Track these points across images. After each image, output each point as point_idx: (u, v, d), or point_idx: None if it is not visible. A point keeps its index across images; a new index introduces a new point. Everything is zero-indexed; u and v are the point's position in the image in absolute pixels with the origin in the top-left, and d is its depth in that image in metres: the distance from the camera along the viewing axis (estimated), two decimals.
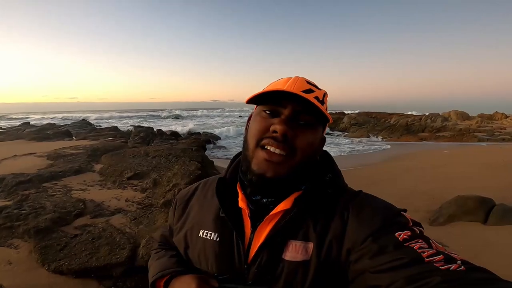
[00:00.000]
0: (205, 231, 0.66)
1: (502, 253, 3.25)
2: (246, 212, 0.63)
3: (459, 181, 6.43)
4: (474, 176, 6.83)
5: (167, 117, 39.93)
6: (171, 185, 4.04)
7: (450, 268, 0.44)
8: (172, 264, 0.70)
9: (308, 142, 0.59)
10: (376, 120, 28.40)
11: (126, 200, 3.82)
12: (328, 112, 0.62)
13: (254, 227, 0.61)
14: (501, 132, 19.73)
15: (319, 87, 0.65)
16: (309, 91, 0.60)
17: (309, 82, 0.63)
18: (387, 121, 27.14)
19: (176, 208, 0.77)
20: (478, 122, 24.79)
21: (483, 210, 4.38)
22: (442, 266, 0.45)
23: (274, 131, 0.57)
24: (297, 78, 0.63)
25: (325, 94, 0.64)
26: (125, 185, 4.56)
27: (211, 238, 0.65)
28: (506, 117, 27.12)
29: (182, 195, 0.79)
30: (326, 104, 0.64)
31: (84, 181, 4.77)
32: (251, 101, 0.62)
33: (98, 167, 5.82)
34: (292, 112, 0.59)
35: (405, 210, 0.58)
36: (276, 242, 0.58)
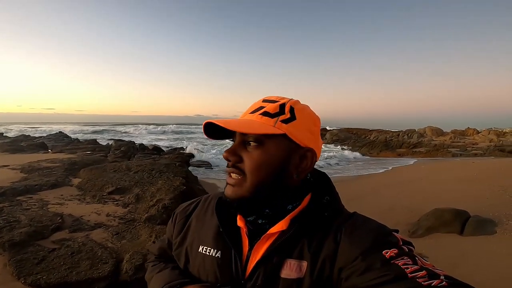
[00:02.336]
0: (205, 247, 0.68)
1: (478, 263, 3.38)
2: (244, 231, 0.66)
3: (436, 195, 6.66)
4: (450, 190, 7.09)
5: (150, 132, 38.75)
6: (154, 200, 3.97)
7: (432, 284, 0.46)
8: (177, 276, 0.71)
9: (254, 163, 0.59)
10: (357, 136, 29.21)
11: (107, 215, 3.70)
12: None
13: (251, 245, 0.63)
14: (473, 147, 20.76)
15: (285, 97, 0.64)
16: (258, 109, 0.62)
17: (266, 100, 0.64)
18: (367, 137, 27.96)
19: (176, 223, 0.78)
20: (451, 138, 26.00)
21: (459, 221, 4.55)
22: (424, 281, 0.46)
23: (224, 159, 0.62)
24: (257, 101, 0.66)
25: (283, 105, 0.62)
26: (106, 200, 4.43)
27: (211, 254, 0.67)
28: (478, 132, 28.62)
29: (182, 210, 0.80)
30: (289, 113, 0.61)
31: (62, 195, 4.59)
32: (214, 136, 0.66)
33: (76, 181, 5.63)
34: (240, 137, 0.62)
35: (396, 231, 0.60)
36: (271, 260, 0.60)
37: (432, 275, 0.48)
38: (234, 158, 0.61)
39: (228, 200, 0.63)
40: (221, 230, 0.67)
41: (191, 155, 14.07)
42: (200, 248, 0.69)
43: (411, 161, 15.24)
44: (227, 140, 0.69)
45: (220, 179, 9.64)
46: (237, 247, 0.65)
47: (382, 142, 23.15)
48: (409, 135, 27.98)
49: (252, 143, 0.60)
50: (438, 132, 29.12)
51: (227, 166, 0.63)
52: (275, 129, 0.59)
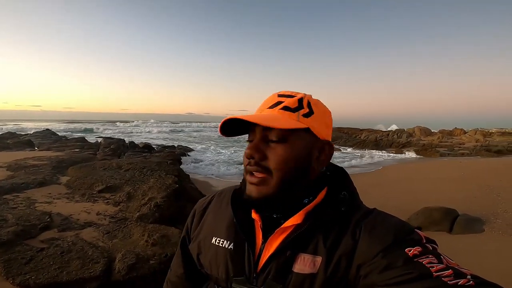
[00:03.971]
0: (218, 239, 0.69)
1: (467, 261, 3.44)
2: (258, 223, 0.65)
3: (425, 194, 6.78)
4: (438, 189, 7.23)
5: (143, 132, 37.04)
6: (146, 198, 3.91)
7: (459, 283, 0.45)
8: None
9: (280, 158, 0.59)
10: (347, 135, 29.52)
11: (98, 214, 3.62)
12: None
13: (265, 238, 0.63)
14: (460, 147, 21.19)
15: (299, 92, 0.65)
16: (276, 104, 0.61)
17: (281, 95, 0.64)
18: (358, 137, 28.27)
19: (194, 217, 0.79)
20: (439, 138, 26.49)
21: (448, 220, 4.65)
22: (450, 281, 0.45)
23: (247, 157, 0.61)
24: (271, 95, 0.65)
25: (301, 99, 0.62)
26: (96, 198, 4.34)
27: (223, 245, 0.67)
28: (465, 133, 29.27)
29: (200, 205, 0.81)
30: (307, 107, 0.61)
31: (49, 193, 4.48)
32: (227, 133, 0.65)
33: (64, 179, 5.50)
34: (261, 133, 0.60)
35: (419, 228, 0.58)
36: (285, 254, 0.59)
37: (458, 274, 0.47)
38: (259, 155, 0.59)
39: (251, 200, 0.61)
40: (235, 221, 0.67)
41: (184, 153, 13.95)
42: (214, 240, 0.69)
43: (400, 160, 15.48)
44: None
45: (213, 177, 9.59)
46: (251, 240, 0.64)
47: (372, 142, 23.47)
48: (398, 134, 28.42)
49: (275, 139, 0.59)
50: (427, 132, 29.66)
51: (249, 165, 0.61)
52: (300, 123, 0.59)
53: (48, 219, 3.11)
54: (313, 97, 0.66)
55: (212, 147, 19.24)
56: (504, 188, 6.74)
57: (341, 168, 0.70)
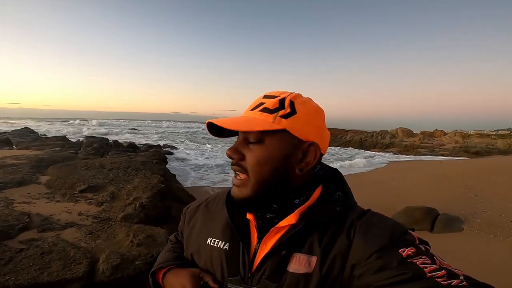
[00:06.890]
0: (213, 239, 0.69)
1: (448, 260, 3.55)
2: (253, 224, 0.65)
3: (407, 194, 6.96)
4: (420, 189, 7.44)
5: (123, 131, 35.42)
6: (131, 198, 3.83)
7: (452, 284, 0.45)
8: (174, 258, 0.76)
9: (254, 159, 0.59)
10: (333, 136, 29.97)
11: (79, 214, 3.52)
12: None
13: (260, 238, 0.63)
14: (440, 148, 21.92)
15: (286, 91, 0.64)
16: (258, 106, 0.61)
17: (266, 96, 0.63)
18: (343, 137, 28.74)
19: (186, 215, 0.81)
20: (420, 139, 27.31)
21: (429, 219, 4.80)
22: (444, 281, 0.46)
23: (228, 157, 0.62)
24: (258, 97, 0.65)
25: (283, 100, 0.61)
26: (78, 198, 4.22)
27: (219, 246, 0.67)
28: (445, 134, 30.29)
29: (194, 204, 0.83)
30: (289, 107, 0.60)
31: (28, 193, 4.33)
32: (220, 135, 0.66)
33: (44, 179, 5.33)
34: (242, 135, 0.62)
35: (413, 229, 0.59)
36: (280, 253, 0.59)
37: (452, 275, 0.47)
38: (237, 156, 0.61)
39: (235, 201, 0.64)
40: (230, 222, 0.67)
41: (168, 151, 13.79)
42: (209, 240, 0.70)
43: (383, 160, 15.83)
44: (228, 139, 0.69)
45: (198, 176, 9.52)
46: (246, 240, 0.65)
47: (357, 142, 23.93)
48: (382, 136, 29.09)
49: (253, 140, 0.60)
50: (409, 133, 30.50)
51: (231, 164, 0.63)
52: (274, 125, 0.58)
53: (27, 219, 3.00)
54: (303, 95, 0.65)
55: (198, 146, 19.14)
56: (482, 188, 7.01)
57: (335, 169, 0.71)
